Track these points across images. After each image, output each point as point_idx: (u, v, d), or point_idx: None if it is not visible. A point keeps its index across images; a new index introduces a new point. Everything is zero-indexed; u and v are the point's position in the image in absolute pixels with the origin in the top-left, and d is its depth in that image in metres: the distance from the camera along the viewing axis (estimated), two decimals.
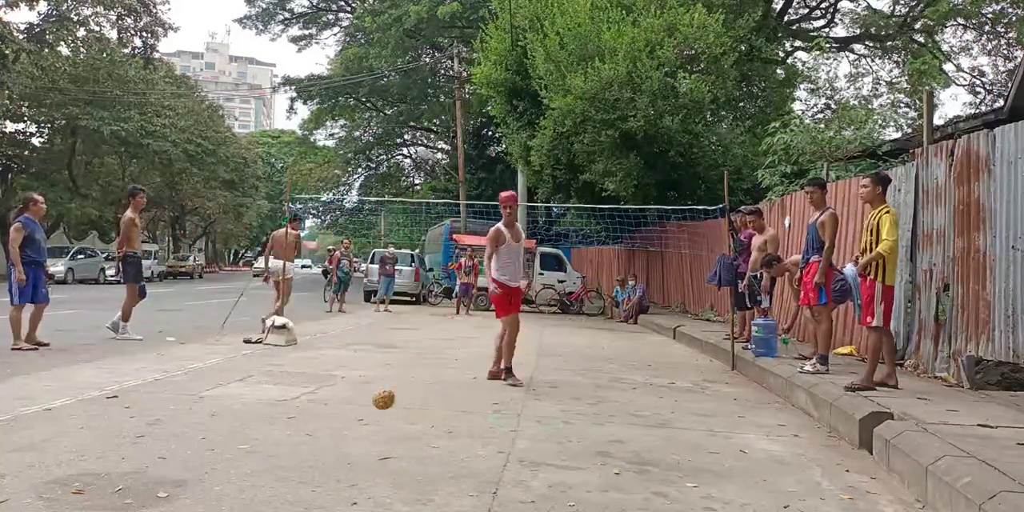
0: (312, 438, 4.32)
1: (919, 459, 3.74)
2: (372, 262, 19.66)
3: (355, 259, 22.91)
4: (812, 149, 10.78)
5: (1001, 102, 10.32)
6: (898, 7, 23.60)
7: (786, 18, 23.81)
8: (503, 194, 6.88)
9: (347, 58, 33.42)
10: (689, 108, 15.04)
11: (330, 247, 25.50)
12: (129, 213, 9.36)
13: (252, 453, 3.96)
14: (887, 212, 5.77)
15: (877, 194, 5.94)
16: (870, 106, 12.51)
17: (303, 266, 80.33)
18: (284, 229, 11.39)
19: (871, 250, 5.74)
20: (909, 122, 14.71)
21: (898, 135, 11.86)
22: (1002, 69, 22.94)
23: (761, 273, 8.35)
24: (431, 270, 22.78)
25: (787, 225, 10.38)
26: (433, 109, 36.16)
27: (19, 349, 7.67)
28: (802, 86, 20.76)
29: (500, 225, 6.81)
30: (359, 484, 3.49)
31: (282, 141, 59.74)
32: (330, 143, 42.95)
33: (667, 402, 6.04)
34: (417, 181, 46.03)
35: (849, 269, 6.73)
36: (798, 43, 24.20)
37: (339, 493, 3.35)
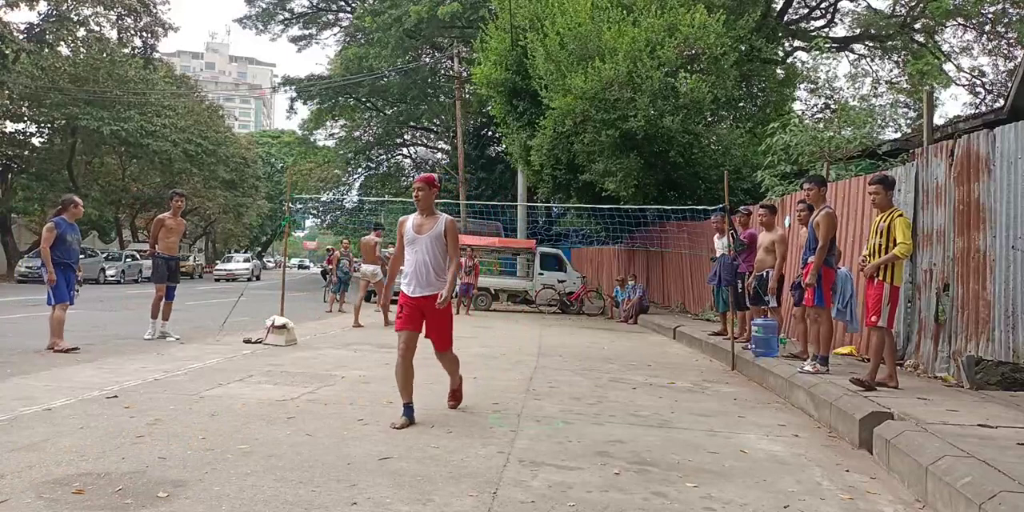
0: (312, 438, 4.32)
1: (919, 459, 3.75)
2: None
3: (355, 259, 22.89)
4: (812, 149, 10.79)
5: (1001, 102, 10.33)
6: (898, 7, 23.62)
7: (786, 18, 23.82)
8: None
9: (347, 58, 33.42)
10: (689, 108, 15.04)
11: (329, 247, 25.51)
12: (162, 214, 9.43)
13: (252, 453, 3.96)
14: (900, 215, 5.81)
15: (884, 198, 5.97)
16: (870, 106, 12.49)
17: (300, 266, 79.86)
18: (371, 236, 13.29)
19: (881, 252, 5.77)
20: (909, 122, 14.71)
21: (898, 135, 11.87)
22: (1002, 69, 22.97)
23: (766, 272, 8.35)
24: None
25: (787, 224, 10.39)
26: (433, 109, 36.15)
27: (52, 349, 7.65)
28: (802, 86, 20.79)
29: (412, 215, 5.17)
30: (359, 484, 3.49)
31: (282, 141, 59.72)
32: (330, 143, 42.97)
33: (667, 402, 6.05)
34: None
35: (842, 271, 6.77)
36: (798, 43, 24.22)
37: (339, 493, 3.35)
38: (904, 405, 4.99)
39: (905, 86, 19.66)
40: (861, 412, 4.78)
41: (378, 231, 13.66)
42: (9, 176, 31.36)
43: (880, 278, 5.78)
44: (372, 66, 31.61)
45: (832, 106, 13.39)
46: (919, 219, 7.18)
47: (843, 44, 25.23)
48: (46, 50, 27.81)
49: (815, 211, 6.78)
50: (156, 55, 32.25)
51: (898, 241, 5.66)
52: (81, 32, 28.53)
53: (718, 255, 9.96)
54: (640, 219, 17.54)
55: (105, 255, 30.40)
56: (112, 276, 27.94)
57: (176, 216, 9.44)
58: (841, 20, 25.90)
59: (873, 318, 5.81)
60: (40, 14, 27.68)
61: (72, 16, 28.03)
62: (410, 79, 33.24)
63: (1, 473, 3.44)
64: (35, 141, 32.91)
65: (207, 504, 3.14)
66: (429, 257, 4.94)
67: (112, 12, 28.62)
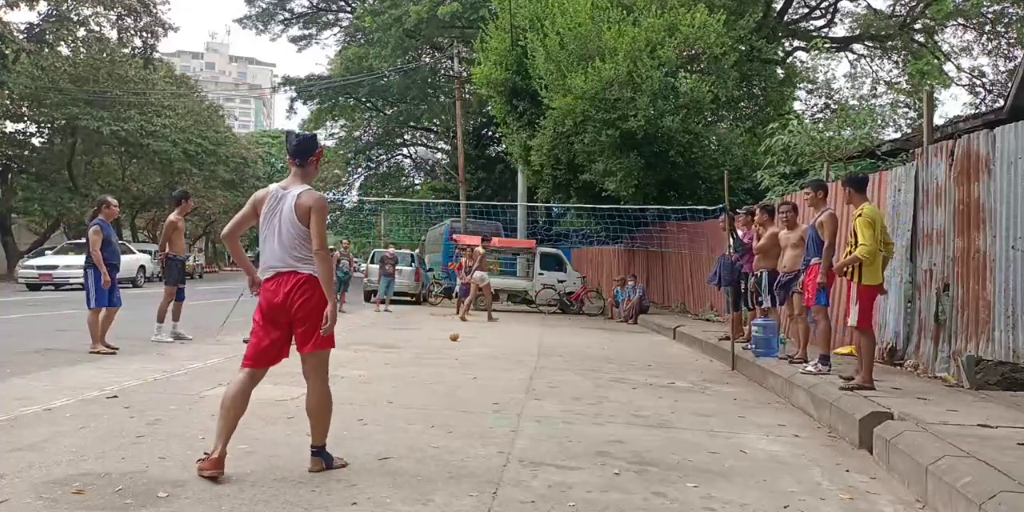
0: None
1: (919, 459, 3.74)
2: (372, 262, 19.64)
3: (354, 259, 22.92)
4: (811, 149, 10.78)
5: (1001, 102, 10.32)
6: (898, 7, 23.63)
7: (786, 18, 23.82)
8: None
9: (347, 58, 33.43)
10: (689, 108, 15.04)
11: (330, 247, 25.54)
12: (172, 216, 9.37)
13: (252, 453, 3.96)
14: (859, 214, 5.78)
15: (854, 196, 6.02)
16: (870, 106, 12.49)
17: None
18: (479, 247, 15.63)
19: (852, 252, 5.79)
20: (909, 122, 14.70)
21: (898, 135, 11.87)
22: (1002, 69, 22.97)
23: (762, 272, 8.33)
24: (431, 270, 22.79)
25: None
26: (433, 109, 36.16)
27: (97, 352, 7.65)
28: (801, 86, 20.80)
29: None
30: (359, 484, 3.49)
31: (282, 141, 59.65)
32: (330, 143, 42.95)
33: (667, 402, 6.04)
34: (417, 181, 46.06)
35: None
36: (798, 43, 24.23)
37: (339, 493, 3.35)
38: (904, 405, 4.99)
39: (905, 86, 19.65)
40: (861, 412, 4.78)
41: (487, 242, 16.43)
42: (9, 176, 31.34)
43: (848, 278, 5.81)
44: (372, 66, 31.61)
45: (832, 106, 13.40)
46: (919, 219, 7.18)
47: (843, 44, 25.24)
48: (46, 50, 27.78)
49: (818, 213, 6.78)
50: (156, 55, 32.20)
51: (859, 242, 5.64)
52: (81, 32, 28.51)
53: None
54: (640, 219, 17.55)
55: None
56: None
57: (182, 216, 9.48)
58: (841, 20, 25.94)
59: (845, 318, 5.86)
60: (40, 14, 27.68)
61: (72, 16, 28.00)
62: (410, 79, 33.24)
63: (1, 473, 3.43)
64: (35, 141, 32.89)
65: (207, 504, 3.14)
66: (284, 238, 3.98)
67: (112, 12, 28.60)
